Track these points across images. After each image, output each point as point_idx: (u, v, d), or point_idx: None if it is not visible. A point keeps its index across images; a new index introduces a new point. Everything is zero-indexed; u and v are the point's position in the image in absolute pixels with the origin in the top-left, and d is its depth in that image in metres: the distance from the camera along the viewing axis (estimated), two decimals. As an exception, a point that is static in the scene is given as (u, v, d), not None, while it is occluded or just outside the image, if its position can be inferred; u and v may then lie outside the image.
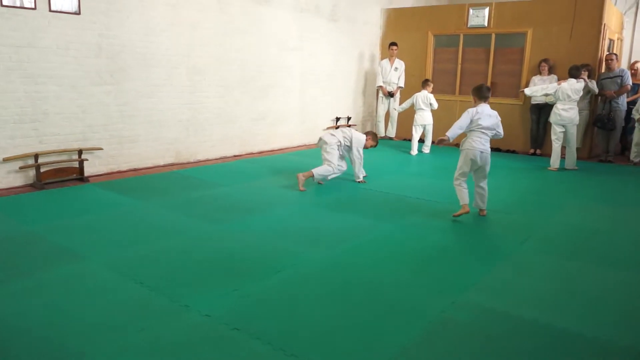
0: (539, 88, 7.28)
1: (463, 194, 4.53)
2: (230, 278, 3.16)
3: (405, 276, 3.28)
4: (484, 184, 4.64)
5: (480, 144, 4.49)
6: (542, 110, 8.18)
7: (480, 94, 4.61)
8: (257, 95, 7.95)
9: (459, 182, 4.58)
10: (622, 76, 7.69)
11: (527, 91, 7.36)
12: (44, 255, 3.45)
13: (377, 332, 2.55)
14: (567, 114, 6.93)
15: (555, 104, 7.07)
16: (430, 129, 8.36)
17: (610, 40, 8.62)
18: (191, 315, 2.66)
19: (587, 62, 7.82)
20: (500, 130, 4.64)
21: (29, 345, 2.34)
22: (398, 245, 3.88)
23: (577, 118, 7.02)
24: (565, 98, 6.90)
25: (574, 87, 6.86)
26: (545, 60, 8.19)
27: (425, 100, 8.18)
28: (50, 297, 2.85)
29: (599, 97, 7.98)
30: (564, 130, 7.03)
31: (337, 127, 5.71)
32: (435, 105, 8.22)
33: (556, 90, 6.98)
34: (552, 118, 7.09)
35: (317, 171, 5.55)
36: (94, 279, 3.11)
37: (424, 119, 8.23)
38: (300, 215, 4.67)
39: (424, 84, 8.32)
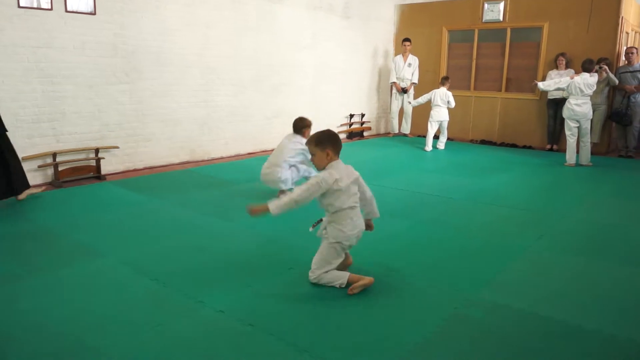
0: (551, 82, 7.16)
1: (336, 275, 2.97)
2: (243, 275, 3.18)
3: (418, 273, 3.26)
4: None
5: (357, 224, 3.04)
6: (559, 105, 8.07)
7: (335, 144, 2.99)
8: (271, 93, 7.98)
9: (322, 274, 2.99)
10: None
11: (540, 85, 7.24)
12: (61, 252, 3.52)
13: (390, 329, 2.54)
14: (580, 109, 6.81)
15: (568, 98, 6.98)
16: (445, 125, 8.31)
17: (627, 33, 8.47)
18: (206, 312, 2.69)
19: (605, 56, 7.71)
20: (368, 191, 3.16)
21: (46, 340, 2.38)
22: (412, 241, 3.87)
23: (591, 113, 6.89)
24: (577, 93, 6.78)
25: (587, 81, 6.74)
26: (562, 55, 8.08)
27: (444, 98, 8.11)
28: (67, 293, 2.90)
29: (616, 91, 7.86)
30: (578, 125, 6.92)
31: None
32: (453, 104, 8.15)
33: (569, 85, 6.86)
34: (565, 113, 6.98)
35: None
36: (110, 275, 3.16)
37: (440, 115, 8.18)
38: (313, 213, 4.67)
39: (444, 81, 8.25)
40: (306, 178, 4.89)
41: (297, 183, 4.81)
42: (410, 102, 9.26)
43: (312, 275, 3.01)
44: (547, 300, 2.88)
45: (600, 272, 3.34)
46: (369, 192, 3.18)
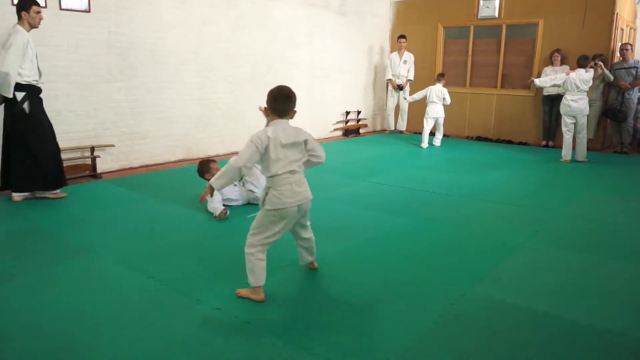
0: (547, 79, 7.20)
1: (259, 270, 2.78)
2: (240, 272, 3.15)
3: (415, 269, 3.27)
4: (309, 233, 3.15)
5: (298, 192, 2.81)
6: (555, 102, 8.10)
7: (274, 103, 2.89)
8: (267, 90, 7.86)
9: (256, 252, 2.78)
10: (637, 67, 7.59)
11: (536, 82, 7.26)
12: (57, 251, 3.51)
13: (385, 325, 2.55)
14: (577, 105, 6.84)
15: (564, 94, 7.01)
16: (441, 122, 8.32)
17: (622, 29, 8.49)
18: (202, 309, 2.69)
19: (600, 52, 7.73)
20: (320, 153, 2.90)
21: (41, 340, 2.38)
22: (408, 238, 3.87)
23: (587, 109, 6.94)
24: (573, 89, 6.82)
25: (582, 77, 6.77)
26: (557, 51, 8.10)
27: (440, 95, 8.12)
28: (62, 291, 2.90)
29: (611, 88, 7.89)
30: (574, 121, 6.96)
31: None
32: (449, 101, 8.15)
33: (565, 81, 6.89)
34: (562, 109, 7.02)
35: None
36: (106, 273, 3.15)
37: (436, 112, 8.19)
38: (311, 210, 4.66)
39: (439, 77, 8.26)
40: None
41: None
42: (405, 98, 9.26)
43: (246, 242, 2.80)
44: (543, 296, 2.90)
45: (596, 268, 3.35)
46: (322, 154, 2.92)
